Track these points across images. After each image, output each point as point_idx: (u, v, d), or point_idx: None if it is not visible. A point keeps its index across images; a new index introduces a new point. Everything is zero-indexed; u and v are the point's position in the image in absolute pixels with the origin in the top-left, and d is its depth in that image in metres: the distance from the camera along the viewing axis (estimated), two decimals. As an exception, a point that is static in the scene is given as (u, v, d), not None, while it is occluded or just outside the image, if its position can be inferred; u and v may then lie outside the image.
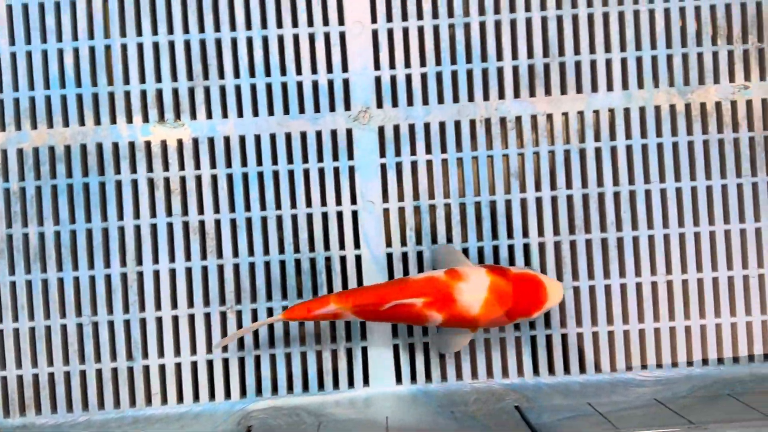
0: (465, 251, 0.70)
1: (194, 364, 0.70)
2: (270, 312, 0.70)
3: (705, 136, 0.71)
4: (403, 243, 0.71)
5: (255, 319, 0.70)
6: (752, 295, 0.70)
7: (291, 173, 0.71)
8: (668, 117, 0.71)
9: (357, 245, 0.71)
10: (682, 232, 0.71)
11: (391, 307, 0.62)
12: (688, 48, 0.71)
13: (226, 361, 0.70)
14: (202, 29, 0.70)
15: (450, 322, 0.63)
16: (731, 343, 0.71)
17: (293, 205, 0.71)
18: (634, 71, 0.71)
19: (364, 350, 0.70)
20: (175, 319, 0.70)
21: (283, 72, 0.71)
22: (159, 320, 0.70)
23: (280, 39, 0.71)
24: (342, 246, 0.71)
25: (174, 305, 0.70)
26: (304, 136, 0.71)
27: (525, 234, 0.71)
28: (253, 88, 0.71)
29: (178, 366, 0.70)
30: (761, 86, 0.71)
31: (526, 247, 0.71)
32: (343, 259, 0.71)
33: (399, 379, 0.71)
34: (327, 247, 0.71)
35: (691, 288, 0.70)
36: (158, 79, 0.70)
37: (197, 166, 0.70)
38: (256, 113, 0.71)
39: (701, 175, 0.71)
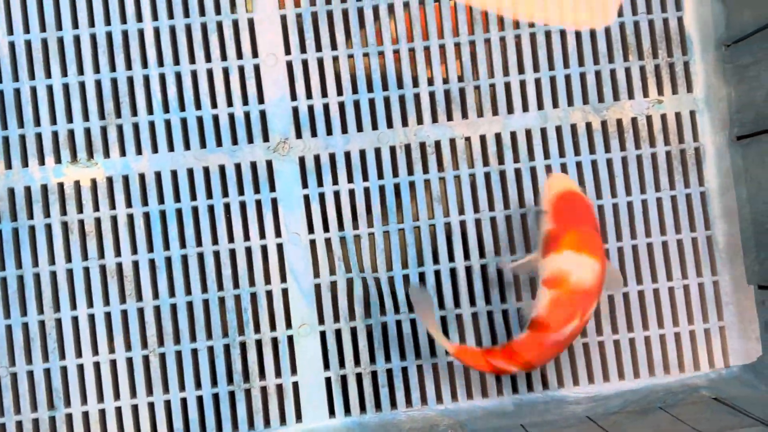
0: (391, 279, 0.70)
1: (118, 410, 0.68)
2: (195, 353, 0.68)
3: (623, 153, 0.72)
4: (332, 272, 0.70)
5: (179, 361, 0.68)
6: (678, 306, 0.71)
7: (211, 208, 0.70)
8: (585, 134, 0.72)
9: (283, 278, 0.70)
10: (606, 248, 0.71)
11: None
12: (600, 66, 0.72)
13: (152, 405, 0.68)
14: (113, 68, 0.69)
15: None
16: (661, 354, 0.71)
17: (215, 241, 0.70)
18: (548, 91, 0.72)
19: (295, 385, 0.69)
20: (97, 365, 0.68)
21: (198, 106, 0.70)
22: (80, 367, 0.68)
23: (194, 74, 0.70)
24: (268, 280, 0.70)
25: (95, 351, 0.68)
26: (222, 169, 0.70)
27: (451, 258, 0.70)
28: (168, 123, 0.70)
29: (102, 412, 0.68)
30: (673, 100, 0.72)
31: (453, 272, 0.70)
32: (269, 294, 0.69)
33: (332, 412, 0.69)
34: (252, 283, 0.69)
35: (618, 302, 0.71)
36: (69, 119, 0.69)
37: (112, 206, 0.69)
38: (171, 148, 0.70)
39: (621, 190, 0.71)
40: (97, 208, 0.69)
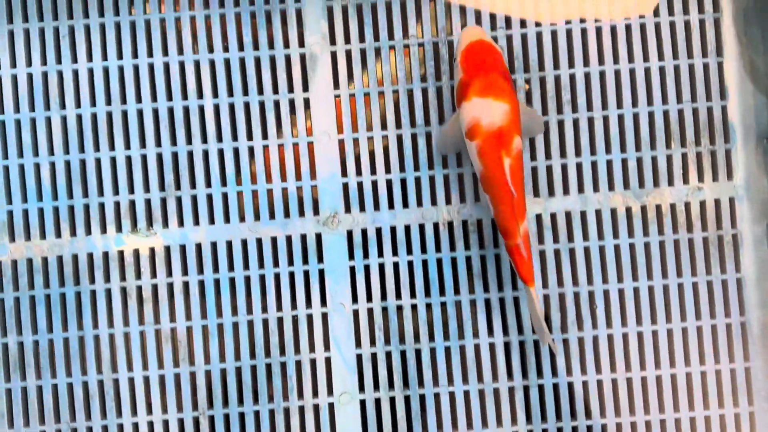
0: (432, 351, 0.73)
1: (169, 468, 0.72)
2: (242, 417, 0.72)
3: (660, 237, 0.74)
4: (372, 343, 0.73)
5: (227, 424, 0.72)
6: (710, 391, 0.73)
7: (262, 277, 0.73)
8: (624, 218, 0.74)
9: (327, 347, 0.73)
10: (640, 331, 0.73)
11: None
12: (642, 152, 0.74)
13: (200, 464, 0.72)
14: (174, 142, 0.73)
15: None
16: (691, 436, 0.73)
17: (264, 309, 0.73)
18: (589, 175, 0.74)
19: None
20: (151, 424, 0.72)
21: (254, 180, 0.73)
22: (135, 425, 0.72)
23: (251, 149, 0.73)
24: (312, 349, 0.73)
25: (149, 411, 0.72)
26: (274, 240, 0.74)
27: (490, 333, 0.73)
28: (225, 196, 0.73)
29: (154, 470, 0.72)
30: (714, 187, 0.74)
31: (492, 346, 0.73)
32: (313, 363, 0.73)
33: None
34: (297, 351, 0.73)
35: (650, 384, 0.73)
36: (131, 190, 0.73)
37: (169, 274, 0.73)
38: (227, 220, 0.73)
39: (657, 274, 0.73)
40: (154, 276, 0.73)
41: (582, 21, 0.74)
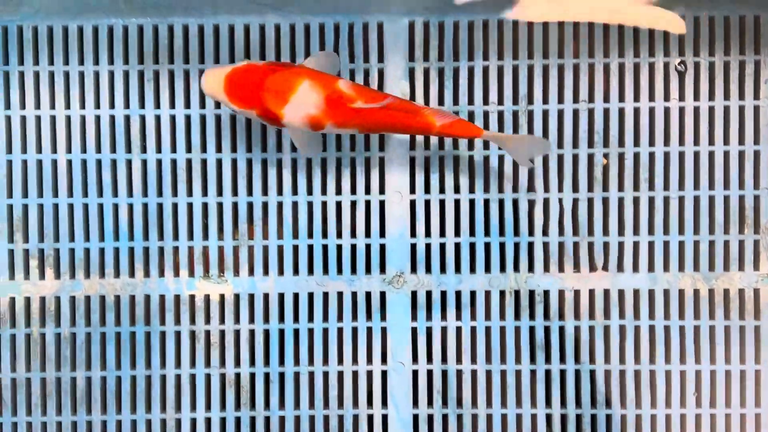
0: (489, 417, 0.74)
1: None
2: (298, 466, 0.74)
3: (726, 322, 0.73)
4: (429, 404, 0.74)
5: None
6: (765, 479, 0.73)
7: (325, 331, 0.74)
8: (692, 301, 0.73)
9: (384, 404, 0.74)
10: (699, 413, 0.73)
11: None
12: (715, 235, 0.73)
13: (253, 508, 0.74)
14: (250, 192, 0.74)
15: None
16: None
17: (325, 361, 0.74)
18: (660, 254, 0.73)
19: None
20: (209, 466, 0.74)
21: (325, 235, 0.74)
22: (193, 465, 0.74)
23: (323, 204, 0.74)
24: (370, 404, 0.74)
25: (208, 452, 0.74)
26: (340, 295, 0.75)
27: (548, 404, 0.74)
28: (295, 249, 0.74)
29: None
30: (784, 274, 0.74)
31: (548, 418, 0.73)
32: (370, 418, 0.74)
33: None
34: (355, 405, 0.74)
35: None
36: (206, 236, 0.74)
37: (236, 321, 0.74)
38: (296, 272, 0.74)
39: (721, 358, 0.73)
40: (222, 321, 0.74)
41: (666, 100, 0.73)
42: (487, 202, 0.74)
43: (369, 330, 0.74)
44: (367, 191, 0.74)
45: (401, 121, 0.65)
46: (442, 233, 0.74)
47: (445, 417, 0.74)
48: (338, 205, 0.74)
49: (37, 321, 0.74)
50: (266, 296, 0.74)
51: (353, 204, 0.74)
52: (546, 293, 0.74)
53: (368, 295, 0.74)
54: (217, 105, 0.74)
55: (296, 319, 0.74)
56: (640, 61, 0.73)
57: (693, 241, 0.74)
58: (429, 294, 0.74)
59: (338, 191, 0.74)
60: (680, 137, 0.73)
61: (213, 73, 0.65)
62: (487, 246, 0.74)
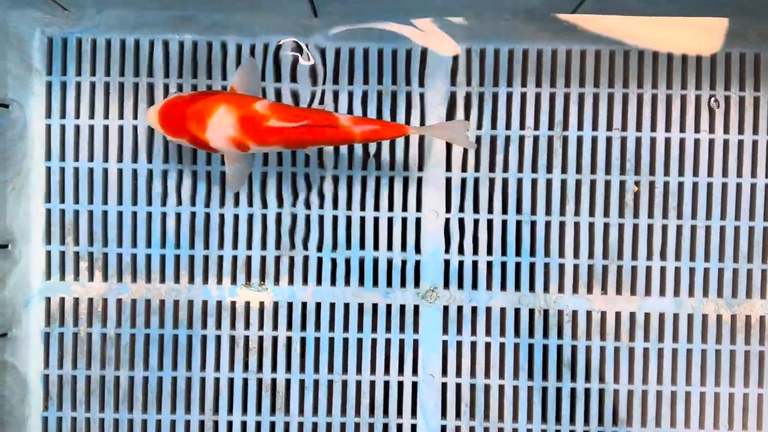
0: (514, 431, 0.76)
1: None
2: (330, 471, 0.77)
3: (747, 347, 0.76)
4: (458, 417, 0.77)
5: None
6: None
7: (359, 341, 0.77)
8: (714, 325, 0.76)
9: (414, 414, 0.77)
10: (719, 435, 0.76)
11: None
12: (739, 264, 0.76)
13: None
14: (294, 204, 0.77)
15: None
16: None
17: (358, 370, 0.77)
18: (686, 280, 0.76)
19: None
20: (243, 467, 0.77)
21: (362, 247, 0.77)
22: (228, 465, 0.77)
23: (362, 219, 0.77)
24: (400, 414, 0.77)
25: (243, 454, 0.77)
26: (375, 307, 0.77)
27: (572, 421, 0.76)
28: (333, 261, 0.77)
29: None
30: (805, 304, 0.76)
31: (571, 433, 0.76)
32: (399, 427, 0.77)
33: None
34: (386, 414, 0.77)
35: (722, 488, 0.76)
36: (249, 246, 0.77)
37: (275, 328, 0.77)
38: (333, 283, 0.77)
39: (740, 382, 0.76)
40: (261, 328, 0.77)
41: (696, 132, 0.76)
42: (519, 223, 0.77)
43: (401, 342, 0.77)
44: (404, 209, 0.77)
45: (322, 137, 0.68)
46: (476, 251, 0.77)
47: (472, 429, 0.77)
48: (376, 220, 0.77)
49: (85, 321, 0.77)
50: (304, 305, 0.77)
51: (390, 220, 0.77)
52: (574, 313, 0.77)
53: (402, 307, 0.77)
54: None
55: (332, 328, 0.77)
56: (673, 93, 0.76)
57: (718, 268, 0.76)
58: (460, 309, 0.77)
59: (376, 207, 0.77)
60: (709, 168, 0.76)
61: (152, 109, 0.70)
62: (518, 265, 0.77)
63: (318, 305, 0.78)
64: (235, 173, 0.72)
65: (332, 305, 0.77)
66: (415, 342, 0.77)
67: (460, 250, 0.77)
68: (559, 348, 0.77)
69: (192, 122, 0.67)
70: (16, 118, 0.76)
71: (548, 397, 0.76)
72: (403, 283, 0.78)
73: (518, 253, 0.77)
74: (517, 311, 0.77)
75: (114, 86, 0.77)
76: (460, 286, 0.77)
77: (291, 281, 0.78)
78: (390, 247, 0.78)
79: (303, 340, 0.77)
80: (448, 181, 0.77)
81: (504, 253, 0.77)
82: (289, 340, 0.77)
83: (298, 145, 0.69)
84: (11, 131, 0.76)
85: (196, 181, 0.77)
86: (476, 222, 0.77)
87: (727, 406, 0.76)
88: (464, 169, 0.77)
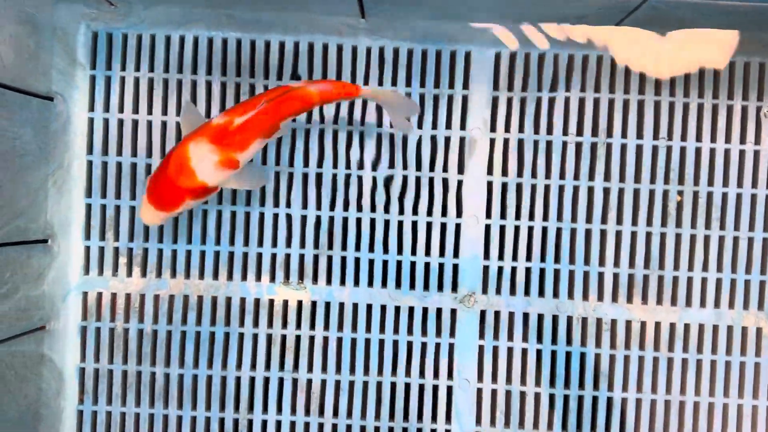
0: (548, 439, 0.76)
1: None
2: (363, 473, 0.77)
3: (788, 362, 0.75)
4: (492, 423, 0.76)
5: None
6: None
7: (395, 343, 0.77)
8: (754, 338, 0.75)
9: (448, 419, 0.77)
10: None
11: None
12: (781, 277, 0.75)
13: None
14: (332, 207, 0.77)
15: None
16: None
17: (393, 373, 0.77)
18: (727, 292, 0.76)
19: None
20: (277, 466, 0.77)
21: (400, 251, 0.77)
22: (261, 464, 0.77)
23: (400, 223, 0.77)
24: (434, 419, 0.77)
25: (277, 453, 0.77)
26: (411, 310, 0.77)
27: (607, 430, 0.76)
28: (371, 262, 0.77)
29: (273, 508, 0.77)
30: None
31: (606, 442, 0.76)
32: None
33: None
34: (420, 419, 0.77)
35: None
36: (288, 245, 0.77)
37: (312, 327, 0.77)
38: (371, 284, 0.77)
39: (779, 396, 0.75)
40: (298, 327, 0.77)
41: (742, 143, 0.75)
42: (559, 231, 0.77)
43: (437, 345, 0.77)
44: (444, 213, 0.77)
45: (288, 110, 0.67)
46: (515, 257, 0.77)
47: (506, 435, 0.76)
48: (414, 224, 0.77)
49: (122, 316, 0.77)
50: (341, 305, 0.77)
51: (429, 224, 0.77)
52: (613, 322, 0.76)
53: (439, 311, 0.77)
54: (309, 120, 0.77)
55: (368, 329, 0.77)
56: (719, 103, 0.76)
57: (759, 281, 0.75)
58: (497, 314, 0.77)
59: (414, 211, 0.77)
60: (753, 180, 0.75)
61: (143, 204, 0.69)
62: (557, 272, 0.77)
63: (355, 306, 0.77)
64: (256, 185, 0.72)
65: (369, 306, 0.77)
66: (451, 346, 0.77)
67: (500, 256, 0.77)
68: (597, 357, 0.76)
69: (181, 177, 0.66)
70: (59, 112, 0.77)
71: (584, 406, 0.76)
72: (440, 287, 0.77)
73: (557, 260, 0.77)
74: (554, 318, 0.77)
75: (158, 82, 0.77)
76: (498, 291, 0.77)
77: (329, 281, 0.77)
78: (428, 252, 0.77)
79: (339, 341, 0.77)
80: (489, 185, 0.77)
81: (543, 259, 0.77)
82: (325, 340, 0.77)
83: (272, 128, 0.68)
84: (55, 124, 0.76)
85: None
86: (516, 228, 0.77)
87: (765, 420, 0.75)
88: (505, 173, 0.77)
